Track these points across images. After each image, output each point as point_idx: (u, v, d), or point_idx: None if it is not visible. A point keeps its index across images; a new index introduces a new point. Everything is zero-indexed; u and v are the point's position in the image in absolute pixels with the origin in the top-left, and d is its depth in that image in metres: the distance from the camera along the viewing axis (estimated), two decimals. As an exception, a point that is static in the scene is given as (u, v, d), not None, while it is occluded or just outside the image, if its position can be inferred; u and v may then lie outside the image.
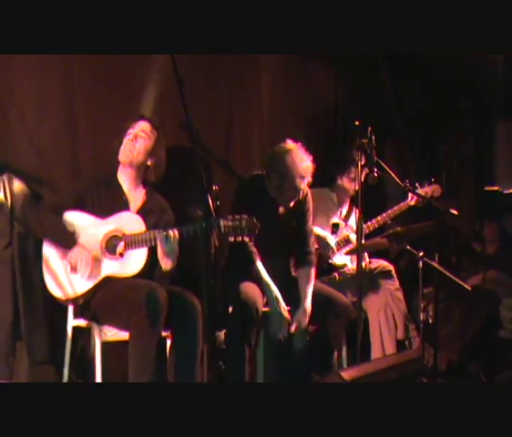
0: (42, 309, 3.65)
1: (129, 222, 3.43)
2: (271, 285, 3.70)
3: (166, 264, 3.38)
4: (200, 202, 2.86)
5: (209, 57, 4.12)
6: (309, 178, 3.74)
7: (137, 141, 3.53)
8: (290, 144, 3.75)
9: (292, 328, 3.66)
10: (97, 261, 3.38)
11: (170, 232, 3.29)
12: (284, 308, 3.68)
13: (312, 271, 3.87)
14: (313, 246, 3.96)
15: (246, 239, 3.29)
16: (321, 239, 4.18)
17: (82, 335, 3.60)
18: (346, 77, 5.10)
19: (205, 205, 2.83)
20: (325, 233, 4.25)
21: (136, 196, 3.58)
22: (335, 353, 3.93)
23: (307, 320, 3.70)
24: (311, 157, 3.73)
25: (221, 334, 3.80)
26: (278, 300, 3.67)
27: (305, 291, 3.78)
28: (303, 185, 3.75)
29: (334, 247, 4.24)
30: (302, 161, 3.71)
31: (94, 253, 3.37)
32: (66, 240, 3.37)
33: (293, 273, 3.90)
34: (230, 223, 3.21)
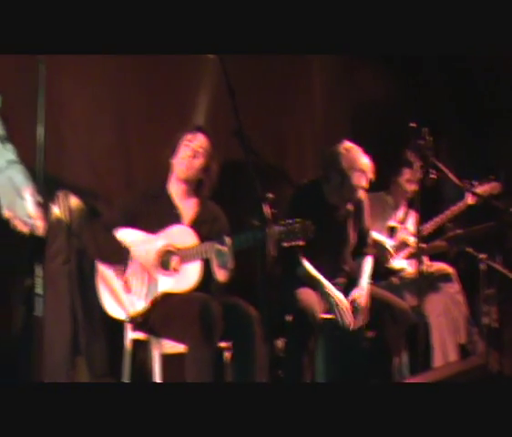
0: (101, 323, 3.67)
1: (182, 236, 3.42)
2: (323, 280, 3.67)
3: (221, 275, 3.37)
4: (255, 210, 2.83)
5: (260, 60, 4.08)
6: (370, 175, 3.72)
7: (195, 158, 3.51)
8: (348, 143, 3.75)
9: (348, 304, 3.62)
10: (151, 278, 3.38)
11: (224, 244, 3.27)
12: (342, 299, 3.65)
13: (370, 260, 3.86)
14: (371, 242, 3.93)
15: (300, 244, 3.26)
16: (378, 244, 4.11)
17: (141, 348, 3.60)
18: (399, 77, 5.01)
19: (260, 213, 2.80)
20: (382, 237, 4.19)
21: (188, 207, 3.57)
22: (395, 359, 3.86)
23: (364, 299, 3.66)
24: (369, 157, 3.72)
25: (280, 342, 3.76)
26: (332, 291, 3.65)
27: (361, 272, 3.79)
28: (364, 182, 3.72)
29: (392, 250, 4.17)
30: (362, 157, 3.70)
31: (148, 270, 3.37)
32: (120, 258, 3.39)
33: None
34: (283, 228, 3.18)
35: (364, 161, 3.70)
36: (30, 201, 1.85)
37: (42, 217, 1.86)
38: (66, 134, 3.74)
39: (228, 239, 3.28)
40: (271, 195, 3.10)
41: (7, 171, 1.87)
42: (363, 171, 3.69)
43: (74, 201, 3.64)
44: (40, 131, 2.54)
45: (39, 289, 2.73)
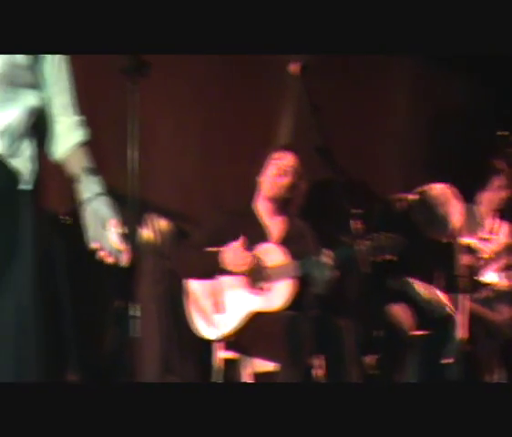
0: (191, 343, 3.69)
1: (269, 254, 3.42)
2: (417, 288, 3.61)
3: (314, 292, 3.34)
4: (344, 226, 2.80)
5: (342, 73, 4.04)
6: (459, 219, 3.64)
7: (283, 176, 3.51)
8: (438, 187, 3.67)
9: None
10: (241, 298, 3.39)
11: (323, 256, 3.24)
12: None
13: None
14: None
15: (390, 258, 3.21)
16: (470, 249, 4.00)
17: (231, 367, 3.60)
18: (483, 81, 4.86)
19: (349, 229, 2.77)
20: (474, 241, 4.07)
21: (275, 225, 3.56)
22: (490, 374, 3.75)
23: None
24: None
25: (371, 358, 3.70)
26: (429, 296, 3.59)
27: None
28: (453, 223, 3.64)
29: (485, 254, 4.06)
30: (453, 206, 3.62)
31: (237, 289, 3.39)
32: (210, 278, 3.41)
33: None
34: (373, 243, 3.14)
35: (456, 209, 3.61)
36: (115, 233, 1.88)
37: (127, 248, 1.88)
38: (152, 156, 3.79)
39: (328, 252, 3.24)
40: (359, 210, 3.07)
41: (93, 203, 1.90)
42: (452, 219, 3.61)
43: (163, 223, 3.68)
44: (131, 155, 2.59)
45: (134, 311, 2.76)
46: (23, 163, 1.79)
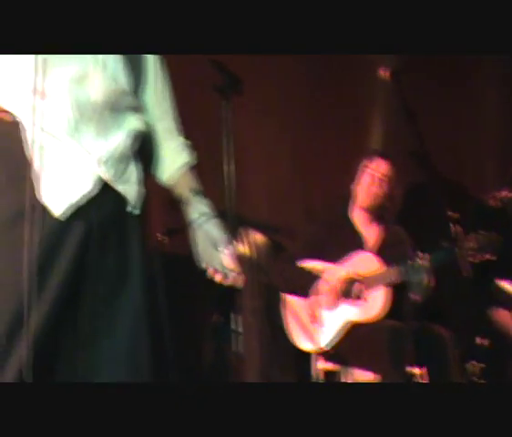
0: (289, 355, 3.68)
1: (365, 262, 3.37)
2: None
3: (413, 298, 3.27)
4: (442, 230, 2.74)
5: (429, 72, 3.95)
6: None
7: (377, 185, 3.46)
8: None
9: None
10: (338, 308, 3.36)
11: (419, 260, 3.17)
12: None
13: None
14: None
15: (489, 258, 3.10)
16: None
17: (330, 378, 3.57)
18: None
19: (448, 233, 2.71)
20: None
21: (371, 234, 3.51)
22: None
23: None
24: None
25: (473, 366, 3.60)
26: None
27: None
28: None
29: None
30: None
31: (334, 300, 3.35)
32: (307, 290, 3.39)
33: None
34: (472, 244, 3.05)
35: None
36: (226, 253, 1.89)
37: (239, 268, 1.89)
38: (244, 169, 3.81)
39: (426, 256, 3.17)
40: (455, 212, 2.99)
41: (203, 224, 1.92)
42: None
43: (257, 237, 3.69)
44: (227, 171, 2.60)
45: (235, 326, 2.78)
46: (130, 188, 1.81)
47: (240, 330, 2.89)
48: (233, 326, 2.88)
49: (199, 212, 1.93)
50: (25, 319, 1.56)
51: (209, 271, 1.89)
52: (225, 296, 3.17)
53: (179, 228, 3.47)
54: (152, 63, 1.94)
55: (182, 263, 3.68)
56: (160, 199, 2.15)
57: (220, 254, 1.88)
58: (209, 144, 2.51)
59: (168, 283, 3.15)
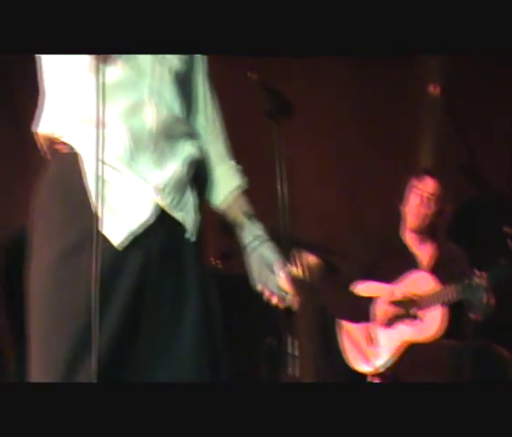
0: (346, 376, 3.66)
1: (420, 282, 3.33)
2: None
3: (473, 317, 3.22)
4: (498, 247, 2.69)
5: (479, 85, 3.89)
6: None
7: (426, 205, 3.42)
8: None
9: None
10: (394, 329, 3.32)
11: (477, 278, 3.12)
12: None
13: None
14: None
15: None
16: None
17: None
18: None
19: (504, 249, 2.66)
20: None
21: (425, 253, 3.46)
22: None
23: None
24: None
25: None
26: None
27: None
28: None
29: None
30: None
31: (389, 321, 3.32)
32: (361, 312, 3.36)
33: None
34: None
35: None
36: (282, 276, 1.89)
37: (295, 290, 1.89)
38: (296, 191, 3.80)
39: (483, 274, 3.11)
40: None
41: (258, 247, 1.92)
42: None
43: (310, 258, 3.68)
44: (281, 193, 2.61)
45: (291, 349, 2.77)
46: (187, 214, 1.81)
47: (296, 353, 2.88)
48: (289, 349, 2.87)
49: (253, 235, 1.93)
50: (90, 348, 1.57)
51: (266, 294, 1.89)
52: (280, 319, 3.17)
53: (232, 251, 3.52)
54: (202, 89, 1.96)
55: (236, 287, 3.70)
56: (212, 224, 2.16)
57: (276, 276, 1.88)
58: (261, 167, 2.52)
59: (223, 307, 3.16)
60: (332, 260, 3.76)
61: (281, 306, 1.89)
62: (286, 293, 1.87)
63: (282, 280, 1.87)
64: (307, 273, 3.60)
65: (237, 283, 3.74)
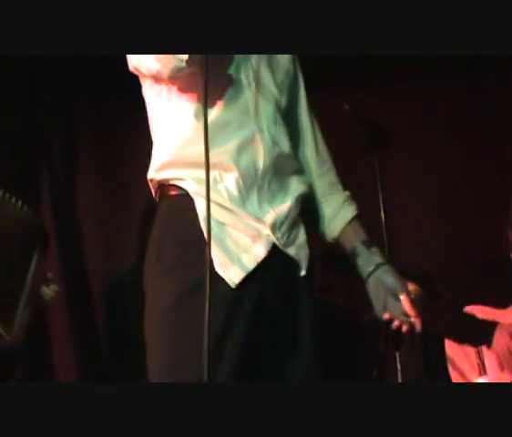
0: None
1: None
2: None
3: None
4: None
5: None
6: None
7: None
8: None
9: None
10: (508, 357, 3.23)
11: None
12: None
13: None
14: None
15: None
16: None
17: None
18: None
19: None
20: None
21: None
22: None
23: None
24: None
25: None
26: None
27: None
28: None
29: None
30: None
31: (503, 348, 3.23)
32: (472, 338, 3.28)
33: None
34: None
35: None
36: (405, 300, 1.87)
37: (418, 314, 1.87)
38: (396, 217, 3.77)
39: None
40: None
41: (377, 274, 1.91)
42: None
43: (412, 286, 3.64)
44: (383, 221, 2.60)
45: (397, 378, 2.74)
46: (300, 250, 1.84)
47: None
48: (396, 378, 2.83)
49: (373, 263, 1.91)
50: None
51: (395, 324, 1.87)
52: (385, 347, 3.14)
53: (332, 282, 3.52)
54: (307, 122, 1.98)
55: (336, 317, 3.70)
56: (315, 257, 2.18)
57: (400, 302, 1.86)
58: (360, 197, 2.53)
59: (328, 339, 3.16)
60: (432, 287, 3.69)
61: (406, 331, 1.86)
62: (410, 317, 1.85)
63: (407, 305, 1.85)
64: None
65: (337, 314, 3.75)
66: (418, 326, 1.85)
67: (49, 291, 2.83)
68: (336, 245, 1.99)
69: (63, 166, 3.72)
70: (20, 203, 2.73)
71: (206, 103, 1.61)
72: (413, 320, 1.85)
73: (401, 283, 1.89)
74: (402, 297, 1.86)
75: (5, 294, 2.66)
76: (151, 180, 1.88)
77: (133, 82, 2.00)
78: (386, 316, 1.86)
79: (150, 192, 1.92)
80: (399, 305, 1.86)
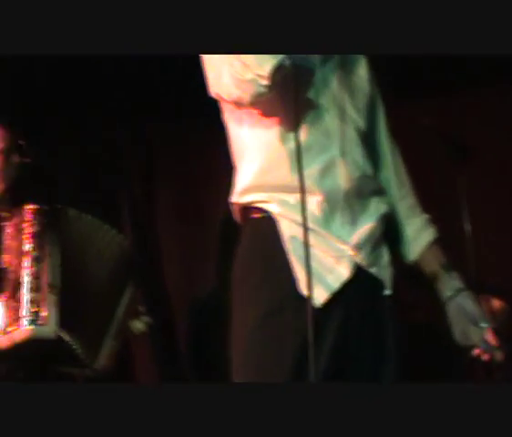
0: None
1: None
2: None
3: None
4: None
5: None
6: None
7: None
8: None
9: None
10: None
11: None
12: None
13: None
14: None
15: None
16: None
17: None
18: None
19: None
20: None
21: None
22: None
23: None
24: None
25: None
26: None
27: None
28: None
29: None
30: None
31: None
32: None
33: None
34: None
35: None
36: (486, 328, 1.83)
37: (500, 343, 1.82)
38: (479, 235, 3.69)
39: None
40: None
41: (458, 300, 1.88)
42: None
43: (498, 303, 3.55)
44: (469, 237, 2.54)
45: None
46: (383, 270, 1.84)
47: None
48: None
49: (452, 288, 1.89)
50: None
51: (475, 352, 1.83)
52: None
53: (417, 302, 3.46)
54: (387, 144, 1.98)
55: (422, 338, 3.63)
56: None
57: (480, 329, 1.82)
58: (442, 212, 2.48)
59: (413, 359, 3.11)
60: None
61: (487, 359, 1.83)
62: (491, 346, 1.81)
63: (489, 333, 1.81)
64: (494, 318, 3.47)
65: (423, 334, 3.68)
66: (500, 356, 1.80)
67: (139, 325, 2.88)
68: (416, 268, 1.97)
69: (142, 193, 3.80)
70: (116, 232, 2.81)
71: (297, 125, 1.67)
72: (495, 349, 1.81)
73: (481, 310, 1.85)
74: (483, 325, 1.82)
75: (93, 325, 2.72)
76: (234, 204, 1.91)
77: (211, 106, 2.03)
78: (465, 343, 1.84)
79: (228, 215, 1.94)
80: (479, 332, 1.82)
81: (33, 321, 2.59)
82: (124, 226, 3.68)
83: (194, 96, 3.11)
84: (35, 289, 2.62)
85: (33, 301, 2.60)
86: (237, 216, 1.92)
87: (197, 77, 1.94)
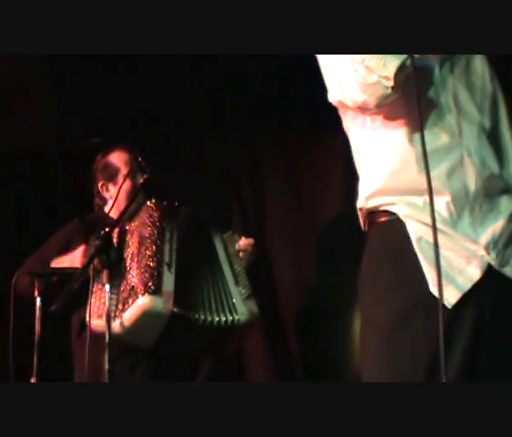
0: None
1: None
2: None
3: None
4: None
5: None
6: None
7: None
8: None
9: None
10: None
11: None
12: None
13: None
14: None
15: None
16: None
17: None
18: None
19: None
20: None
21: None
22: None
23: None
24: None
25: None
26: None
27: None
28: None
29: None
30: None
31: None
32: None
33: None
34: None
35: None
36: None
37: None
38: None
39: None
40: None
41: None
42: None
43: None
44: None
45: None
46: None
47: None
48: None
49: None
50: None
51: None
52: None
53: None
54: (510, 141, 1.95)
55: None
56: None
57: None
58: None
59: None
60: None
61: None
62: None
63: None
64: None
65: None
66: None
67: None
68: None
69: (252, 201, 3.86)
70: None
71: (421, 126, 1.67)
72: None
73: None
74: None
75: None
76: (361, 209, 1.94)
77: (319, 114, 2.03)
78: None
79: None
80: None
81: (153, 291, 2.70)
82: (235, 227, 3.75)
83: (307, 102, 3.14)
84: (155, 266, 2.77)
85: (152, 275, 2.73)
86: (363, 220, 1.95)
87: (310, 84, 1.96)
